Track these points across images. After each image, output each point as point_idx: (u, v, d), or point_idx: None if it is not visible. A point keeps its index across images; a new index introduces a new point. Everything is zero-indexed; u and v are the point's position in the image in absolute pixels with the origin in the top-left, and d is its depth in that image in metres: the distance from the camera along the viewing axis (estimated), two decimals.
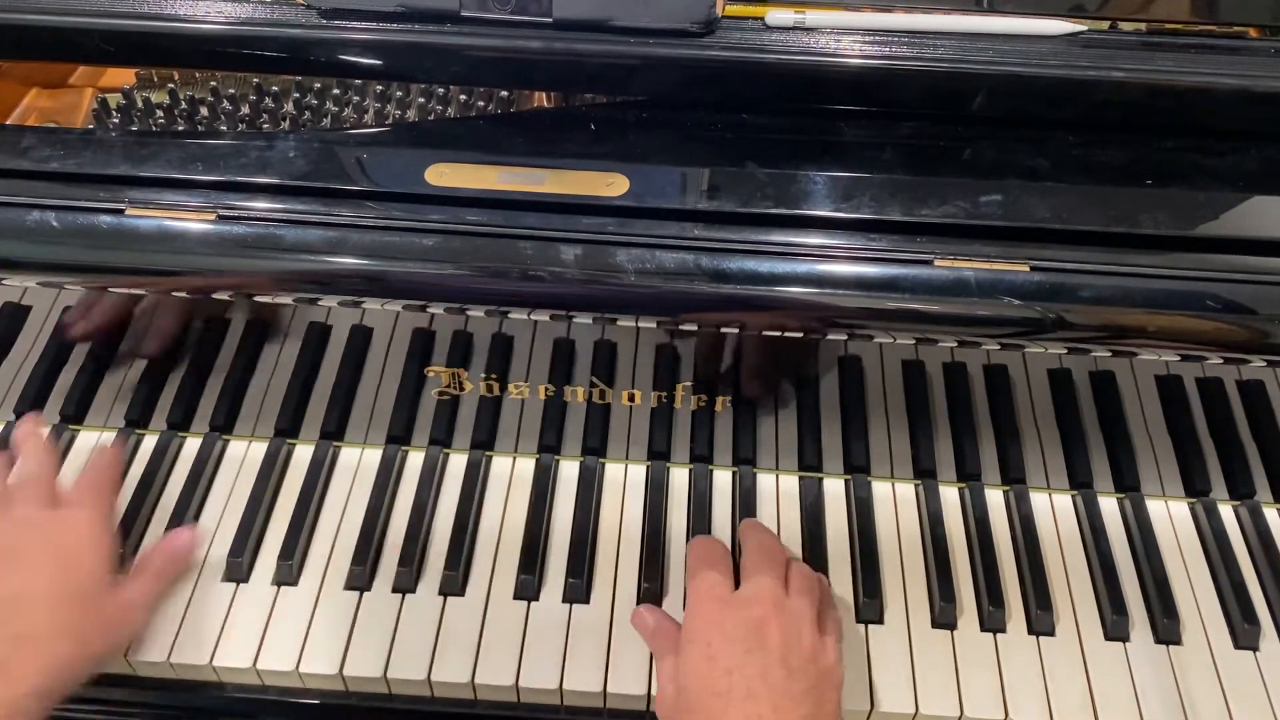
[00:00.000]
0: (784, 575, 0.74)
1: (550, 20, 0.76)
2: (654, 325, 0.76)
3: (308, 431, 0.88)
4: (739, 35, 0.78)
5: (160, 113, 0.90)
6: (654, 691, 0.74)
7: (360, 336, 0.81)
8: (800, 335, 0.75)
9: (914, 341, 0.75)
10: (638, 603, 0.79)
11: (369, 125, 0.89)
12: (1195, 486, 0.86)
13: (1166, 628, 0.79)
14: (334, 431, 0.88)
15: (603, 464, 0.88)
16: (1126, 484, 0.86)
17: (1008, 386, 0.80)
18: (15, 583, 0.69)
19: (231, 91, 0.90)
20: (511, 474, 0.88)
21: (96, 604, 0.71)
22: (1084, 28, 0.78)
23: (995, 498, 0.87)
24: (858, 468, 0.87)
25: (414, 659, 0.76)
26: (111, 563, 0.74)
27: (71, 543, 0.73)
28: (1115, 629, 0.79)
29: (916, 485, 0.87)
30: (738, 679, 0.66)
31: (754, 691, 0.65)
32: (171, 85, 0.90)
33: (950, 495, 0.87)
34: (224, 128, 0.88)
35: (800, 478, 0.88)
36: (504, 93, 0.90)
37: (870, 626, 0.79)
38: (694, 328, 0.76)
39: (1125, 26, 0.80)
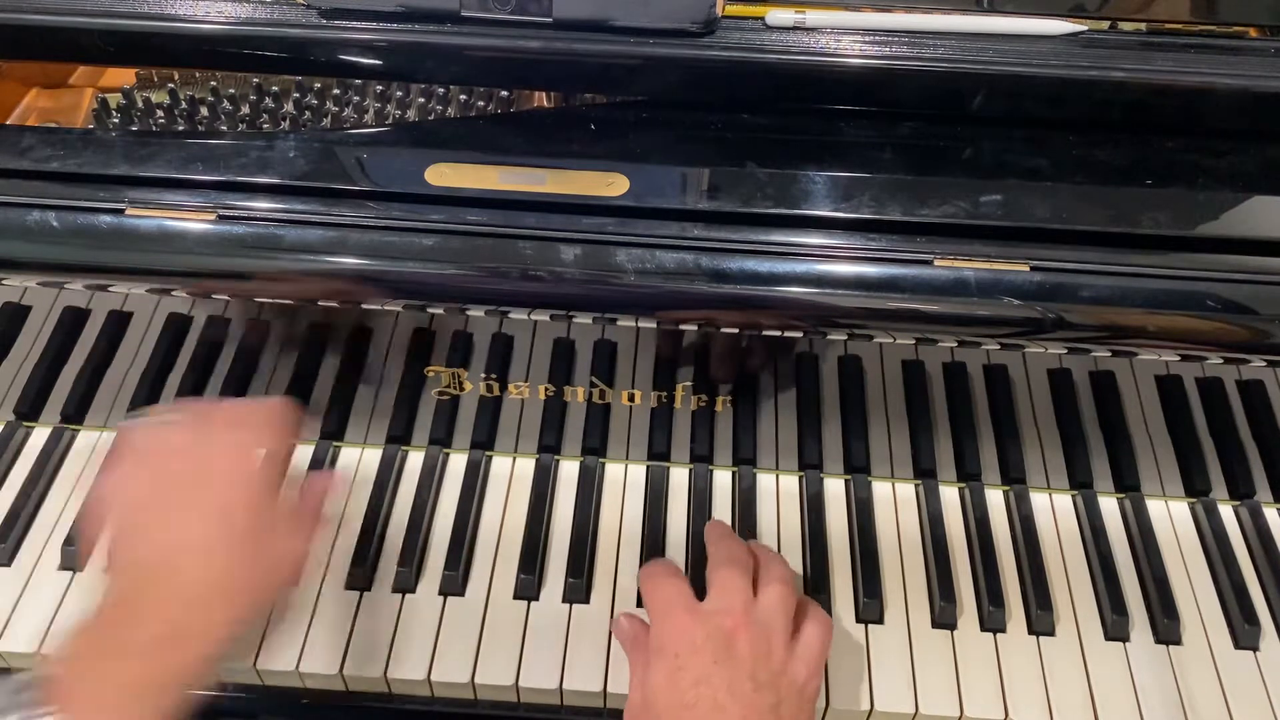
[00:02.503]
0: (751, 582, 0.72)
1: (550, 20, 0.76)
2: (654, 325, 0.76)
3: (307, 431, 0.88)
4: (739, 35, 0.78)
5: (160, 113, 0.89)
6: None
7: (359, 336, 0.81)
8: (800, 335, 0.75)
9: (914, 341, 0.75)
10: (638, 603, 0.79)
11: (369, 125, 0.89)
12: (1195, 486, 0.86)
13: (1166, 628, 0.79)
14: (334, 431, 0.88)
15: (603, 464, 0.88)
16: (1126, 484, 0.86)
17: (1008, 386, 0.80)
18: (181, 532, 0.61)
19: (231, 91, 0.90)
20: (511, 474, 0.88)
21: (260, 556, 0.62)
22: (1084, 28, 0.78)
23: (995, 498, 0.87)
24: (858, 468, 0.87)
25: (414, 659, 0.76)
26: (270, 505, 0.64)
27: (230, 487, 0.63)
28: (1115, 629, 0.79)
29: (916, 485, 0.87)
30: (705, 691, 0.65)
31: (720, 703, 0.64)
32: (171, 85, 0.90)
33: (950, 495, 0.87)
34: (224, 128, 0.88)
35: (800, 478, 0.88)
36: (504, 93, 0.90)
37: (870, 626, 0.79)
38: (694, 327, 0.76)
39: (1125, 26, 0.80)
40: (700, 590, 0.73)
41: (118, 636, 0.60)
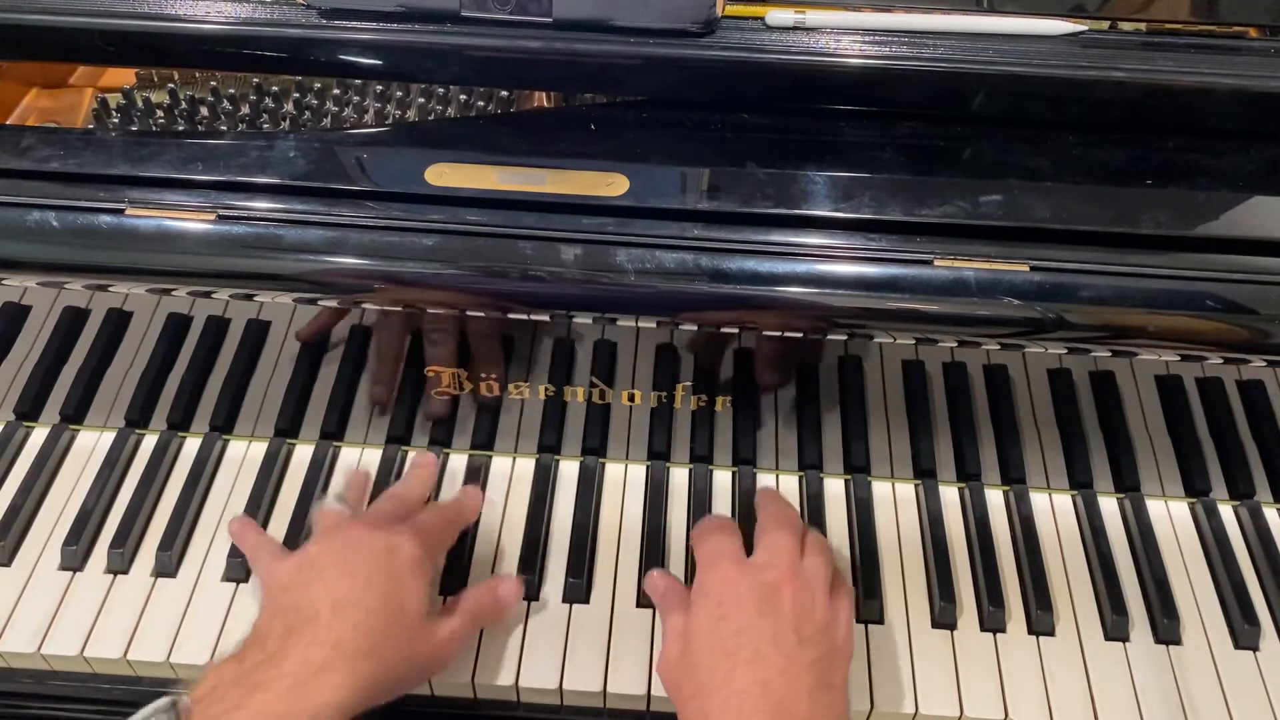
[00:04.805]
0: (800, 542, 0.73)
1: (550, 20, 0.76)
2: (654, 325, 0.76)
3: (308, 431, 0.88)
4: (739, 35, 0.78)
5: (160, 113, 0.90)
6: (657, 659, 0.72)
7: (360, 336, 0.81)
8: (800, 335, 0.75)
9: (914, 341, 0.75)
10: (638, 603, 0.79)
11: (369, 125, 0.89)
12: (1195, 486, 0.86)
13: (1166, 628, 0.78)
14: (334, 431, 0.88)
15: (603, 464, 0.88)
16: (1126, 484, 0.86)
17: (1008, 386, 0.80)
18: (345, 588, 0.67)
19: (231, 91, 0.90)
20: (511, 474, 0.88)
21: (409, 634, 0.68)
22: (1084, 28, 0.78)
23: (995, 498, 0.87)
24: (858, 468, 0.87)
25: None
26: (433, 596, 0.71)
27: (403, 564, 0.69)
28: (1115, 629, 0.79)
29: (916, 485, 0.87)
30: (746, 640, 0.65)
31: (763, 654, 0.64)
32: (171, 85, 0.90)
33: (950, 495, 0.87)
34: (224, 128, 0.88)
35: (800, 478, 0.88)
36: (504, 93, 0.90)
37: (870, 626, 0.79)
38: (694, 328, 0.76)
39: (1125, 26, 0.80)
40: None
41: (257, 671, 0.63)
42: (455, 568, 0.80)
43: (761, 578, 0.69)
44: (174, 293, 0.76)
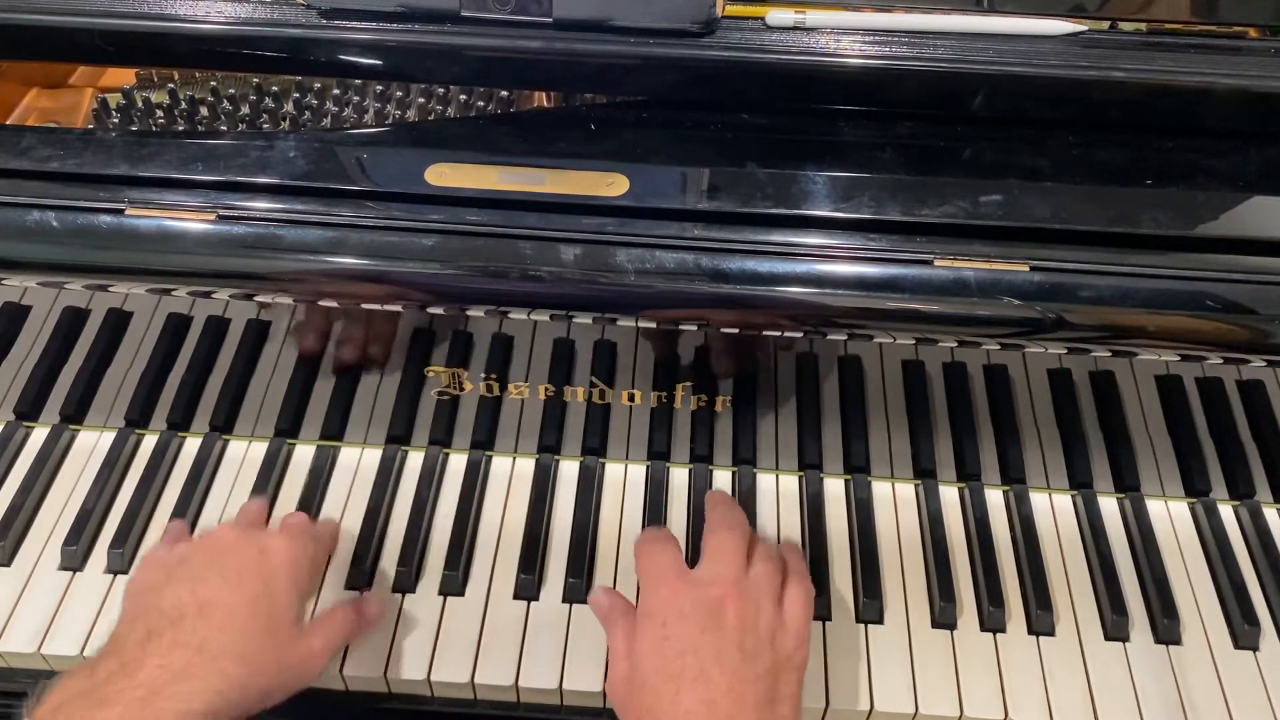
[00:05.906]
0: (746, 551, 0.72)
1: (550, 20, 0.76)
2: (654, 325, 0.76)
3: (308, 431, 0.88)
4: (739, 35, 0.78)
5: (160, 113, 0.90)
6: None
7: (359, 336, 0.81)
8: (800, 335, 0.75)
9: (914, 341, 0.75)
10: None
11: (369, 125, 0.89)
12: (1195, 486, 0.86)
13: (1166, 628, 0.78)
14: (334, 432, 0.88)
15: (603, 464, 0.88)
16: (1126, 484, 0.86)
17: (1008, 386, 0.80)
18: (213, 591, 0.66)
19: (231, 91, 0.90)
20: (511, 474, 0.88)
21: (279, 640, 0.67)
22: (1084, 28, 0.78)
23: (995, 498, 0.87)
24: (858, 468, 0.87)
25: (414, 659, 0.76)
26: (303, 606, 0.70)
27: (275, 568, 0.69)
28: (1115, 629, 0.79)
29: (916, 485, 0.87)
30: (691, 660, 0.64)
31: (707, 673, 0.64)
32: (171, 85, 0.90)
33: (950, 495, 0.87)
34: (224, 128, 0.88)
35: (800, 478, 0.88)
36: (504, 93, 0.90)
37: (870, 626, 0.79)
38: (694, 327, 0.76)
39: (1125, 26, 0.80)
40: (695, 558, 0.73)
41: (109, 683, 0.60)
42: (454, 567, 0.80)
43: (705, 593, 0.68)
44: (174, 293, 0.76)
